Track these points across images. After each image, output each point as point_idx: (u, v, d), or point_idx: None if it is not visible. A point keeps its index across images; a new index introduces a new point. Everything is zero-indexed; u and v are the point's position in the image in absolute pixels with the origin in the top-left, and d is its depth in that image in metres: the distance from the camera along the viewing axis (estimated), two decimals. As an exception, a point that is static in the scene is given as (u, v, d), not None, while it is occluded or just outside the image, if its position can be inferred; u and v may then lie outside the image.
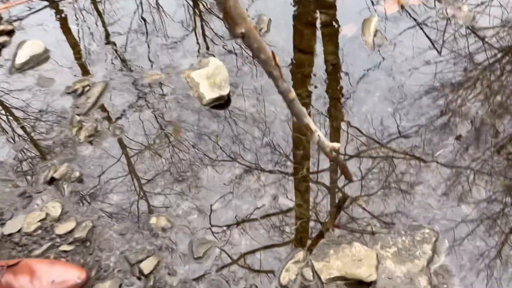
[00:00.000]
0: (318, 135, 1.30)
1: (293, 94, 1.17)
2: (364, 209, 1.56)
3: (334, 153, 1.38)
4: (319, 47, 2.08)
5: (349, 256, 1.42)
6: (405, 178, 1.62)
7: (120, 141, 1.84)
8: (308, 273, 1.42)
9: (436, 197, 1.57)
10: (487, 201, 1.55)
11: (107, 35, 2.22)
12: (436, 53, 1.98)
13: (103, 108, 1.93)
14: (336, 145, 1.36)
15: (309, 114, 1.53)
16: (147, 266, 1.45)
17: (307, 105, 1.87)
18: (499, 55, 1.96)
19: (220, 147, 1.77)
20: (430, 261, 1.42)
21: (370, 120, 1.80)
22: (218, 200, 1.62)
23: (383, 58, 2.00)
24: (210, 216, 1.58)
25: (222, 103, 1.92)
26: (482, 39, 2.01)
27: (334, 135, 1.78)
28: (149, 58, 2.09)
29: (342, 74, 1.97)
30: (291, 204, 1.59)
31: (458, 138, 1.60)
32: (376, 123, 1.78)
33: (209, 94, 1.91)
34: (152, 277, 1.43)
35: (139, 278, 1.44)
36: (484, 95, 1.83)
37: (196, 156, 1.75)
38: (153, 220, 1.58)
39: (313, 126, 1.28)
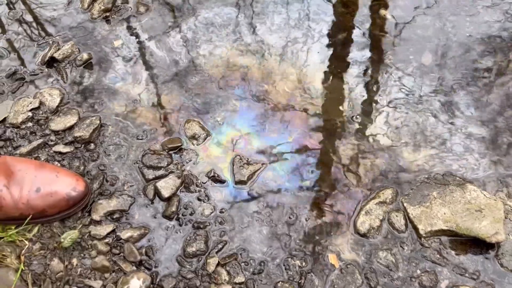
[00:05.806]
0: None
1: None
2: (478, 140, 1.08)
3: None
4: None
5: (461, 203, 0.97)
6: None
7: (146, 22, 1.38)
8: (399, 221, 0.98)
9: None
10: None
11: None
12: None
13: (126, -24, 1.45)
14: None
15: None
16: (167, 186, 1.03)
17: None
18: None
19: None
20: None
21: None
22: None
23: None
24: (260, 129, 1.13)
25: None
26: None
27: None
28: None
29: None
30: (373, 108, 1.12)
31: None
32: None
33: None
34: (175, 200, 1.02)
35: (162, 200, 1.03)
36: None
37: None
38: (186, 124, 1.14)
39: None
